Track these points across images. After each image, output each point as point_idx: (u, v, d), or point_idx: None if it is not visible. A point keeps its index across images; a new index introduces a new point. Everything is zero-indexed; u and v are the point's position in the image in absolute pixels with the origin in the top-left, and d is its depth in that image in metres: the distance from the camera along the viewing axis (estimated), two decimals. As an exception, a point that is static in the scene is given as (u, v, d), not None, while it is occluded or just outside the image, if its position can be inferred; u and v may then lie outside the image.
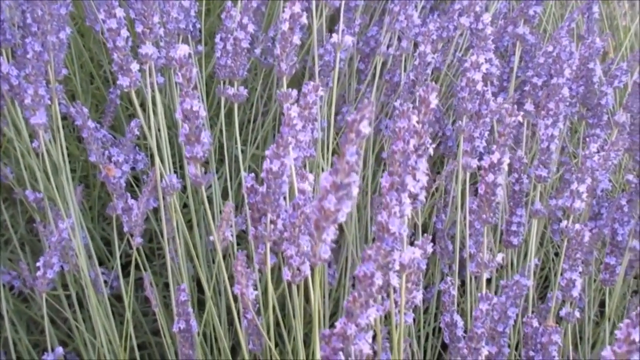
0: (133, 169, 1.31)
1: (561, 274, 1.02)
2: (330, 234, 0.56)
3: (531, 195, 1.18)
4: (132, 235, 0.96)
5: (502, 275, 1.29)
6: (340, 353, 0.61)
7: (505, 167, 0.76)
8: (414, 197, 0.66)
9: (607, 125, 1.36)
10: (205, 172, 0.96)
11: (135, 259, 1.15)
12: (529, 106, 1.28)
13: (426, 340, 1.34)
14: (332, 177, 0.52)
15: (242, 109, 1.58)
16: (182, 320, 0.90)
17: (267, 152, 0.75)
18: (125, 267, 1.48)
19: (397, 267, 0.67)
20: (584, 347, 1.29)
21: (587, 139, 1.03)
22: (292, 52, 0.85)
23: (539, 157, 1.12)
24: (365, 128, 0.51)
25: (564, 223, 1.05)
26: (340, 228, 1.43)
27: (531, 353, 0.99)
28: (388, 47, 1.33)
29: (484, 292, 0.73)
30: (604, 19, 1.96)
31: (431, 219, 1.36)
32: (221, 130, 1.42)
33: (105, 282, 1.30)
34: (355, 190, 0.52)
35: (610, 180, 1.50)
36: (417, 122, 0.63)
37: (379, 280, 0.57)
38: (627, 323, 0.58)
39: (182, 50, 0.74)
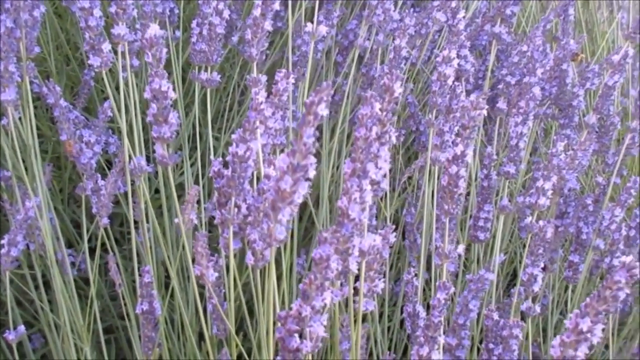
0: (107, 152, 1.31)
1: (523, 269, 1.04)
2: (286, 215, 0.56)
3: (500, 192, 1.20)
4: (100, 216, 0.96)
5: (472, 270, 1.31)
6: (296, 335, 0.62)
7: (468, 159, 0.77)
8: (376, 184, 0.67)
9: (578, 126, 1.38)
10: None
11: (104, 242, 1.14)
12: (501, 104, 1.30)
13: (395, 332, 1.35)
14: (289, 158, 0.52)
15: (219, 97, 1.58)
16: (146, 302, 0.90)
17: (233, 136, 0.75)
18: (95, 250, 1.48)
19: (356, 253, 0.68)
20: (548, 343, 1.32)
21: (555, 138, 1.05)
22: (263, 38, 0.85)
23: (507, 154, 1.13)
24: (323, 110, 0.52)
25: (528, 219, 1.06)
26: (312, 220, 1.44)
27: (491, 346, 1.01)
28: (365, 40, 1.33)
29: (443, 281, 0.74)
30: (582, 23, 1.98)
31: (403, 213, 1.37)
32: (197, 118, 1.42)
33: (73, 264, 1.30)
34: (312, 172, 0.53)
35: (579, 181, 1.52)
36: (381, 110, 0.64)
37: (334, 263, 0.57)
38: (575, 313, 0.60)
39: (153, 30, 0.74)
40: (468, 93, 1.39)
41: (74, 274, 1.25)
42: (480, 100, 0.76)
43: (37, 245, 1.09)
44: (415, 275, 0.94)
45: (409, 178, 1.49)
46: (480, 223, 1.20)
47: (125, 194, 1.24)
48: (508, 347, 0.95)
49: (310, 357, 0.65)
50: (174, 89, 1.42)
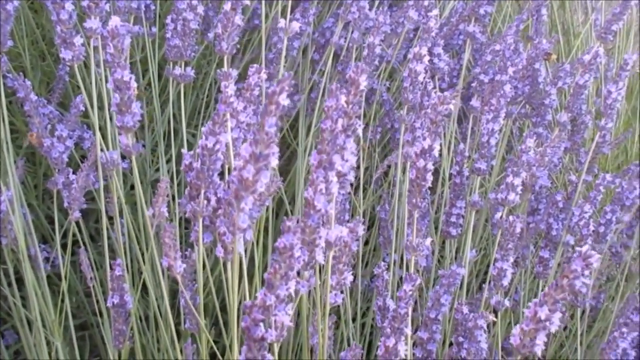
0: (82, 148, 1.30)
1: (493, 264, 1.05)
2: (249, 203, 0.57)
3: (471, 188, 1.22)
4: (71, 210, 0.96)
5: (444, 266, 1.32)
6: (261, 324, 0.63)
7: (436, 153, 0.78)
8: (342, 176, 0.68)
9: (550, 125, 1.40)
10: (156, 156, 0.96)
11: (76, 237, 1.14)
12: (474, 102, 1.31)
13: (368, 328, 1.36)
14: (252, 147, 0.53)
15: (196, 94, 1.58)
16: (117, 295, 0.90)
17: (203, 129, 0.76)
18: (71, 246, 1.47)
19: (323, 244, 0.68)
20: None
21: (524, 135, 1.06)
22: (234, 32, 0.86)
23: (479, 151, 1.15)
24: (284, 100, 0.53)
25: (497, 215, 1.08)
26: (285, 213, 1.44)
27: (460, 339, 1.02)
28: (341, 38, 1.34)
29: (409, 273, 0.75)
30: (559, 25, 2.01)
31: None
32: (173, 114, 1.42)
33: (47, 259, 1.29)
34: (274, 161, 0.54)
35: (552, 179, 1.55)
36: (346, 103, 0.65)
37: (298, 252, 0.58)
38: (534, 302, 0.61)
39: (114, 21, 0.74)
40: (443, 91, 1.41)
41: (47, 269, 1.25)
42: (447, 96, 0.77)
43: (9, 239, 1.09)
44: (386, 269, 0.95)
45: (386, 175, 1.50)
46: (453, 219, 1.21)
47: (101, 189, 1.24)
48: (474, 338, 0.96)
49: (275, 346, 0.65)
50: (150, 86, 1.42)
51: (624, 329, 1.08)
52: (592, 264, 0.57)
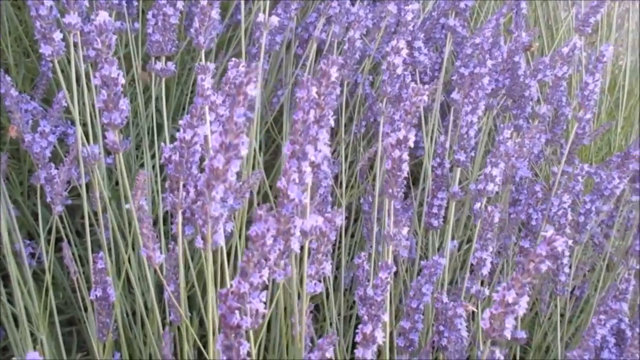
0: (67, 143, 1.31)
1: (473, 253, 1.07)
2: (220, 192, 0.58)
3: (452, 180, 1.23)
4: (54, 205, 0.97)
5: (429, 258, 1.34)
6: (237, 312, 0.64)
7: (411, 143, 0.80)
8: (316, 166, 0.69)
9: (531, 117, 1.41)
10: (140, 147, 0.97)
11: (61, 233, 1.15)
12: (455, 95, 1.33)
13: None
14: (221, 137, 0.54)
15: (180, 90, 1.59)
16: (99, 288, 0.91)
17: (181, 122, 0.77)
18: (56, 242, 1.48)
19: (298, 234, 0.70)
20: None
21: (501, 126, 1.08)
22: (210, 26, 0.87)
23: (458, 142, 1.16)
24: (252, 90, 0.54)
25: (477, 205, 1.09)
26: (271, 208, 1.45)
27: (441, 327, 1.04)
28: (322, 32, 1.36)
29: (385, 261, 0.77)
30: (541, 18, 2.03)
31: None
32: (158, 110, 1.43)
33: (33, 255, 1.30)
34: (244, 151, 0.55)
35: (535, 171, 1.56)
36: (318, 94, 0.66)
37: (270, 240, 0.59)
38: (503, 287, 0.62)
39: (102, 16, 0.75)
40: (424, 84, 1.42)
41: (32, 265, 1.26)
42: (421, 87, 0.78)
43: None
44: (367, 259, 0.96)
45: (371, 168, 1.51)
46: (434, 210, 1.23)
47: (87, 186, 1.25)
48: (454, 327, 0.98)
49: (251, 333, 0.67)
50: (134, 81, 1.43)
51: (603, 317, 1.10)
52: (556, 248, 0.58)
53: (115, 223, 1.17)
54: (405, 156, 0.80)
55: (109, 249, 1.19)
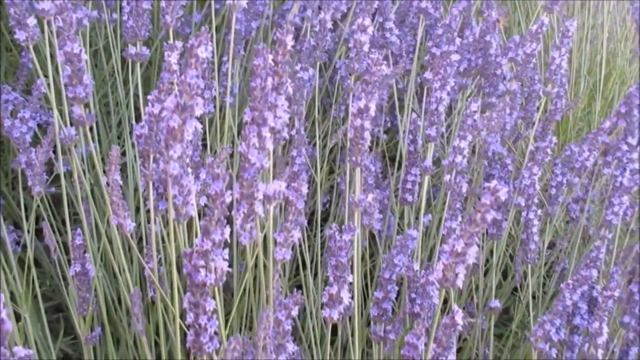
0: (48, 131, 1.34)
1: (443, 224, 1.10)
2: (177, 151, 0.61)
3: (425, 154, 1.26)
4: (33, 186, 1.00)
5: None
6: (201, 270, 0.67)
7: (372, 112, 0.83)
8: (277, 132, 0.72)
9: (503, 95, 1.45)
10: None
11: (45, 219, 1.18)
12: (427, 74, 1.36)
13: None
14: (176, 98, 0.57)
15: (160, 78, 1.62)
16: (78, 264, 0.94)
17: (149, 97, 0.80)
18: (42, 231, 1.51)
19: (260, 197, 0.73)
20: (480, 295, 1.39)
21: (468, 100, 1.11)
22: (177, 6, 0.90)
23: (428, 118, 1.19)
24: (203, 53, 0.57)
25: (447, 177, 1.13)
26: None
27: (413, 295, 1.07)
28: (296, 17, 1.39)
29: (348, 224, 0.80)
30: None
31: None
32: (136, 96, 1.45)
33: (18, 242, 1.33)
34: (198, 111, 0.58)
35: (511, 149, 1.60)
36: (275, 62, 0.69)
37: (228, 198, 0.62)
38: (452, 238, 0.66)
39: (62, -4, 0.78)
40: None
41: (17, 250, 1.29)
42: (380, 58, 0.82)
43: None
44: (337, 229, 0.99)
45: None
46: (408, 186, 1.26)
47: (69, 174, 1.28)
48: (426, 294, 1.01)
49: (215, 290, 0.70)
50: (115, 71, 1.46)
51: (571, 282, 1.14)
52: (500, 197, 0.62)
53: (97, 210, 1.20)
54: (368, 125, 0.83)
55: (91, 234, 1.22)
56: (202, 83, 0.92)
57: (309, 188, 1.53)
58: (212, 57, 1.12)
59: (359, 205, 0.86)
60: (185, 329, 0.85)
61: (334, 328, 1.41)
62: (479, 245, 0.65)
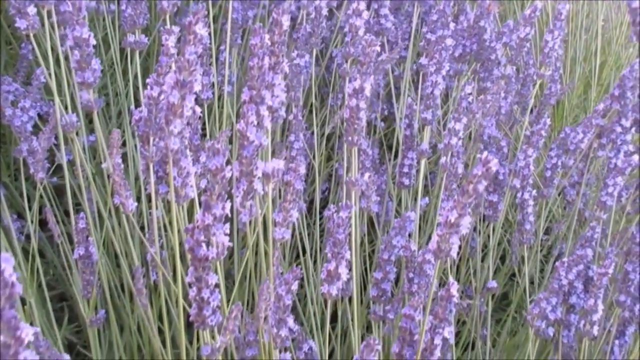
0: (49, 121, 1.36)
1: (440, 205, 1.12)
2: (178, 126, 0.63)
3: (421, 138, 1.28)
4: (36, 172, 1.01)
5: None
6: (203, 244, 0.69)
7: (367, 93, 0.84)
8: (274, 111, 0.74)
9: (497, 79, 1.46)
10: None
11: (42, 205, 1.20)
12: (423, 60, 1.38)
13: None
14: (176, 75, 0.59)
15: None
16: (82, 247, 0.96)
17: (148, 80, 0.81)
18: (45, 223, 1.53)
19: (259, 175, 0.75)
20: (477, 278, 1.41)
21: (463, 83, 1.13)
22: (174, -9, 0.91)
23: (424, 102, 1.21)
24: (201, 30, 0.59)
25: (443, 159, 1.14)
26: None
27: (411, 275, 1.09)
28: (292, 4, 1.40)
29: (345, 201, 0.82)
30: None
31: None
32: (135, 87, 1.47)
33: (21, 232, 1.35)
34: (197, 87, 0.60)
35: (507, 133, 1.61)
36: (272, 42, 0.71)
37: (229, 173, 0.64)
38: (446, 209, 0.68)
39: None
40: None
41: (21, 239, 1.31)
42: (374, 38, 0.83)
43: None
44: (335, 210, 1.01)
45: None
46: (405, 170, 1.28)
47: (72, 163, 1.29)
48: (423, 272, 1.03)
49: (217, 265, 0.71)
50: (114, 63, 1.47)
51: (566, 260, 1.15)
52: (491, 168, 0.63)
53: (100, 197, 1.22)
54: (363, 105, 0.85)
55: (94, 223, 1.24)
56: (200, 70, 0.93)
57: (307, 176, 1.55)
58: (210, 44, 1.13)
59: (355, 184, 0.88)
60: (188, 308, 0.87)
61: (334, 315, 1.43)
62: (471, 216, 0.66)
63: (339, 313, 1.41)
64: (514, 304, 1.54)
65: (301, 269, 1.30)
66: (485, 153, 0.63)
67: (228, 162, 0.71)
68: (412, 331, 0.78)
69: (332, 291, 0.81)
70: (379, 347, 0.63)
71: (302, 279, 1.42)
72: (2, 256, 0.44)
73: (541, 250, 1.56)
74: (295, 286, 0.77)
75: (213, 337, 0.77)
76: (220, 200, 0.65)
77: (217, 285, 0.71)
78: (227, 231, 0.68)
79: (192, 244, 0.68)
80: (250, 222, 0.91)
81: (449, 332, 0.79)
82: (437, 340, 0.78)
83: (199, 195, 0.96)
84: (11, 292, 0.46)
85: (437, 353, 0.79)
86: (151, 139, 0.83)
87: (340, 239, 0.81)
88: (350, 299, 1.13)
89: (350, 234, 0.88)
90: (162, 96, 0.82)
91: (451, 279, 0.77)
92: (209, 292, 0.70)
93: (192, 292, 0.71)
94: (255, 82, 0.70)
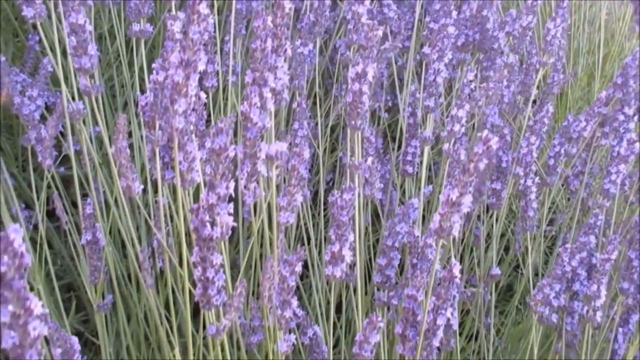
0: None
1: (443, 191, 1.12)
2: (182, 105, 0.64)
3: (424, 126, 1.29)
4: (43, 159, 1.03)
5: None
6: (208, 224, 0.70)
7: (370, 77, 0.85)
8: (277, 93, 0.75)
9: (500, 68, 1.47)
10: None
11: (49, 195, 1.21)
12: (426, 49, 1.38)
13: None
14: (180, 54, 0.60)
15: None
16: (89, 233, 0.97)
17: (154, 65, 0.82)
18: (53, 214, 1.54)
19: (263, 157, 0.76)
20: (481, 267, 1.41)
21: (465, 69, 1.13)
22: (179, -22, 0.92)
23: (427, 89, 1.22)
24: (204, 9, 0.60)
25: (445, 146, 1.15)
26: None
27: (414, 261, 1.09)
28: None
29: (349, 184, 0.83)
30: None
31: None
32: (141, 79, 1.48)
33: (29, 221, 1.36)
34: (201, 66, 0.61)
35: (511, 123, 1.62)
36: (274, 25, 0.72)
37: (232, 152, 0.65)
38: (447, 188, 0.68)
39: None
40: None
41: (29, 227, 1.32)
42: (376, 23, 0.84)
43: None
44: (339, 195, 1.02)
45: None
46: (409, 157, 1.29)
47: (79, 154, 1.31)
48: (425, 257, 1.04)
49: (222, 244, 0.73)
50: (119, 54, 1.49)
51: (569, 246, 1.16)
52: (491, 146, 0.64)
53: (107, 186, 1.23)
54: (366, 89, 0.86)
55: (101, 212, 1.26)
56: (205, 58, 0.94)
57: (311, 167, 1.56)
58: (214, 32, 1.14)
59: (358, 168, 0.89)
60: (192, 289, 0.88)
61: (339, 307, 1.44)
62: (472, 194, 0.67)
63: (344, 306, 1.42)
64: (518, 294, 1.54)
65: (305, 252, 1.31)
66: (486, 131, 0.64)
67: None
68: (415, 312, 0.78)
69: (336, 273, 0.82)
70: (382, 325, 0.64)
71: (307, 268, 1.44)
72: (11, 227, 0.46)
73: (545, 241, 1.56)
74: (299, 268, 0.78)
75: (218, 319, 0.78)
76: (224, 180, 0.66)
77: (221, 266, 0.72)
78: (231, 211, 0.69)
79: (197, 224, 0.69)
80: (255, 208, 0.92)
81: (451, 313, 0.80)
82: (440, 321, 0.79)
83: (205, 181, 0.97)
84: (20, 263, 0.47)
85: (440, 334, 0.80)
86: (157, 122, 0.84)
87: (343, 221, 0.82)
88: (355, 290, 1.14)
89: (353, 218, 0.89)
90: (168, 80, 0.83)
91: (454, 260, 0.78)
92: (213, 272, 0.71)
93: (197, 272, 0.72)
94: (259, 65, 0.71)
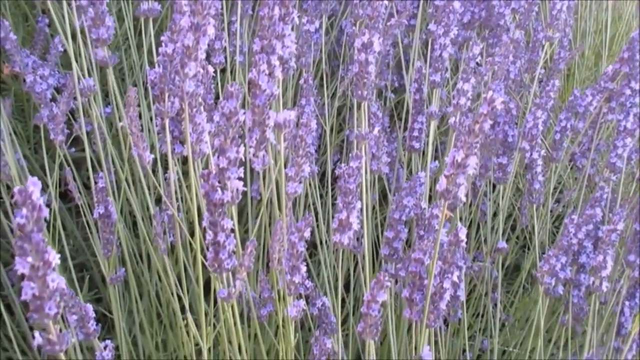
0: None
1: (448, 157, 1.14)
2: (193, 69, 0.65)
3: (430, 101, 1.30)
4: (55, 135, 1.05)
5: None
6: (218, 189, 0.72)
7: (376, 47, 0.86)
8: (285, 62, 0.76)
9: (506, 43, 1.48)
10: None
11: (68, 184, 1.23)
12: (432, 26, 1.39)
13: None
14: (190, 18, 0.61)
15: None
16: (102, 206, 0.99)
17: (162, 38, 0.84)
18: (65, 196, 1.56)
19: (272, 124, 0.77)
20: (488, 242, 1.43)
21: (471, 43, 1.14)
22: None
23: (432, 65, 1.23)
24: (213, -27, 0.61)
25: (451, 120, 1.16)
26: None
27: (422, 232, 1.11)
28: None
29: (356, 152, 0.84)
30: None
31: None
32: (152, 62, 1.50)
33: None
34: (210, 30, 0.62)
35: (518, 102, 1.63)
36: (281, -7, 0.73)
37: (242, 117, 0.67)
38: (452, 150, 0.70)
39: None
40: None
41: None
42: (382, -7, 0.85)
43: (3, 175, 1.18)
44: (345, 169, 1.03)
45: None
46: (415, 133, 1.30)
47: (90, 135, 1.32)
48: (431, 227, 1.05)
49: (232, 209, 0.74)
50: (128, 37, 1.50)
51: (575, 217, 1.17)
52: (496, 107, 0.65)
53: (118, 165, 1.25)
54: (372, 59, 0.87)
55: (113, 192, 1.28)
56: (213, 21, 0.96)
57: (318, 147, 1.57)
58: (221, 11, 1.16)
59: (365, 137, 0.90)
60: (204, 260, 0.90)
61: (347, 286, 1.46)
62: (477, 156, 0.68)
63: (352, 286, 1.44)
64: (524, 272, 1.56)
65: (313, 241, 1.32)
66: (491, 92, 0.65)
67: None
68: (421, 275, 0.80)
69: (343, 240, 0.84)
70: (389, 284, 0.66)
71: (315, 247, 1.45)
72: (30, 179, 0.47)
73: (552, 219, 1.57)
74: (307, 233, 0.79)
75: (229, 285, 0.80)
76: (234, 145, 0.68)
77: (232, 231, 0.74)
78: (242, 175, 0.71)
79: (208, 189, 0.71)
80: (264, 177, 0.94)
81: (457, 276, 0.81)
82: (446, 284, 0.81)
83: (214, 154, 0.99)
84: (39, 215, 0.49)
85: (447, 297, 0.82)
86: (166, 95, 0.86)
87: (351, 188, 0.84)
88: (363, 267, 1.16)
89: (360, 188, 0.90)
90: (175, 52, 0.84)
91: (459, 225, 0.79)
92: (224, 236, 0.73)
93: (209, 237, 0.73)
94: (266, 32, 0.72)
